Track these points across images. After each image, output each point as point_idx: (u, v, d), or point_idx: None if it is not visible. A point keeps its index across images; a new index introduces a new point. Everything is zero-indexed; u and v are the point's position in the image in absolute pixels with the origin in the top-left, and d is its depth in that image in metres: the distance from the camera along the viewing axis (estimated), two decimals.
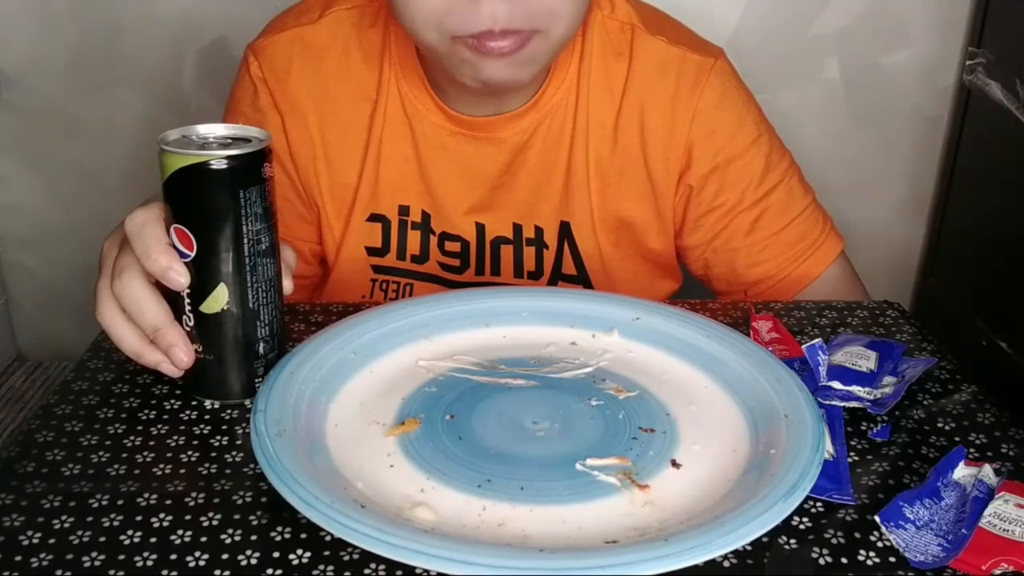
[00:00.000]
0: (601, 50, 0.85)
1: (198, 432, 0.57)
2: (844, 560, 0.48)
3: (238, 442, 0.56)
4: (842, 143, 1.45)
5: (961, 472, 0.53)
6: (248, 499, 0.51)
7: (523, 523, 0.49)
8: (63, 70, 1.43)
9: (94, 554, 0.47)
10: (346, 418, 0.58)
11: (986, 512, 0.49)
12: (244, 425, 0.58)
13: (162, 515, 0.50)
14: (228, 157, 0.55)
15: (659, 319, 0.67)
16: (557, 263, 0.89)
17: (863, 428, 0.59)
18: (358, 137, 0.86)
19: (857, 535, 0.49)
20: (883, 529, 0.50)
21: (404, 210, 0.88)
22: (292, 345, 0.62)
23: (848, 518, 0.51)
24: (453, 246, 0.89)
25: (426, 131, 0.86)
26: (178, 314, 0.59)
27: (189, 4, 1.39)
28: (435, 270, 0.90)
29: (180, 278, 0.57)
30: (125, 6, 1.39)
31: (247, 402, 0.60)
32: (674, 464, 0.54)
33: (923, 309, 1.50)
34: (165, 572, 0.46)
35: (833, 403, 0.60)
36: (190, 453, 0.55)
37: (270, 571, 0.46)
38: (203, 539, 0.48)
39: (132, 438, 0.57)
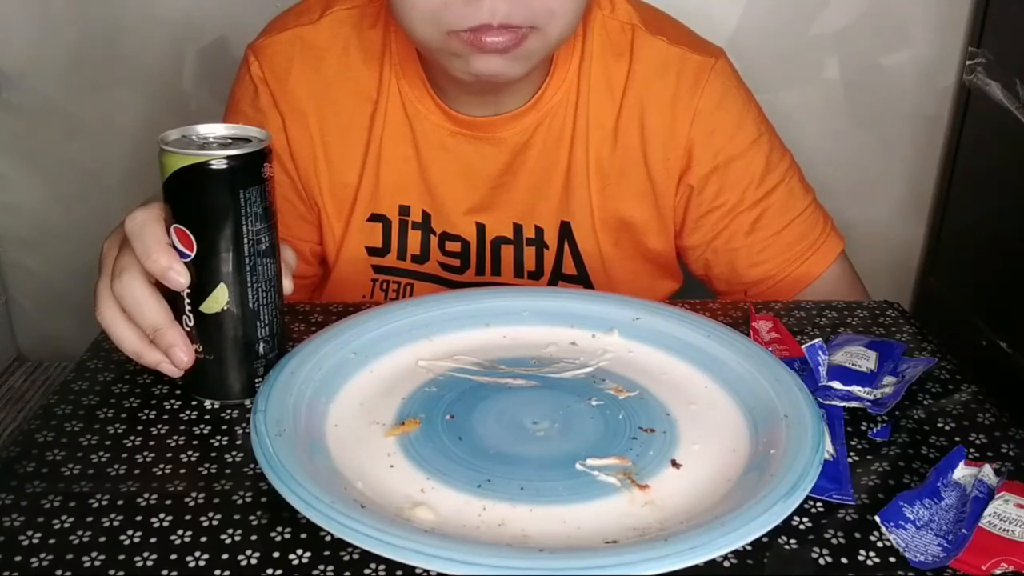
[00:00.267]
0: (601, 50, 0.85)
1: (198, 432, 0.57)
2: (844, 560, 0.48)
3: (238, 442, 0.56)
4: (842, 143, 1.45)
5: (961, 472, 0.53)
6: (248, 499, 0.51)
7: (523, 523, 0.49)
8: (63, 70, 1.43)
9: (94, 554, 0.47)
10: (346, 418, 0.58)
11: (986, 512, 0.49)
12: (244, 425, 0.58)
13: (162, 515, 0.50)
14: (228, 157, 0.55)
15: (659, 319, 0.67)
16: (557, 263, 0.89)
17: (863, 428, 0.59)
18: (358, 137, 0.86)
19: (857, 535, 0.49)
20: (883, 529, 0.50)
21: (404, 210, 0.88)
22: (292, 345, 0.62)
23: (848, 518, 0.51)
24: (453, 246, 0.89)
25: (426, 131, 0.86)
26: (178, 314, 0.59)
27: (189, 4, 1.39)
28: (435, 270, 0.90)
29: (180, 278, 0.57)
30: (125, 6, 1.39)
31: (247, 402, 0.60)
32: (674, 464, 0.54)
33: (923, 309, 1.50)
34: (165, 572, 0.46)
35: (833, 403, 0.60)
36: (190, 453, 0.55)
37: (270, 571, 0.46)
38: (203, 539, 0.48)
39: (132, 438, 0.57)
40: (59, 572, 0.46)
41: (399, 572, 0.46)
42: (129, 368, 0.64)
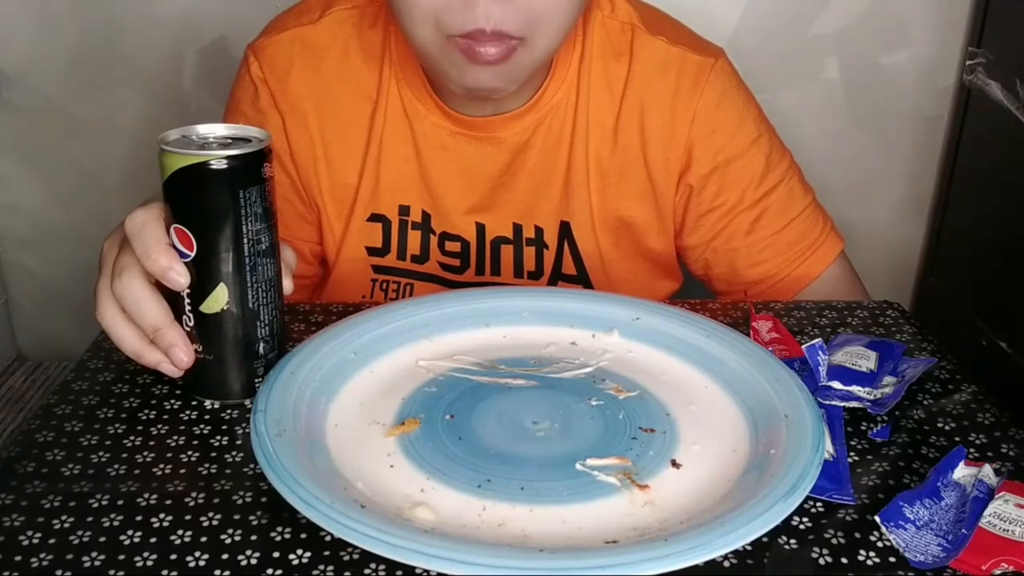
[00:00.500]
0: (601, 50, 0.85)
1: (198, 432, 0.57)
2: (844, 560, 0.48)
3: (238, 442, 0.56)
4: (842, 143, 1.45)
5: (961, 472, 0.53)
6: (248, 499, 0.51)
7: (523, 523, 0.49)
8: (63, 70, 1.43)
9: (94, 554, 0.47)
10: (346, 418, 0.58)
11: (986, 512, 0.49)
12: (244, 425, 0.58)
13: (162, 515, 0.50)
14: (228, 157, 0.55)
15: (659, 319, 0.67)
16: (557, 263, 0.89)
17: (863, 428, 0.59)
18: (358, 137, 0.86)
19: (857, 535, 0.49)
20: (883, 529, 0.50)
21: (404, 210, 0.88)
22: (292, 345, 0.62)
23: (848, 518, 0.51)
24: (453, 246, 0.89)
25: (426, 131, 0.86)
26: (178, 314, 0.59)
27: (189, 4, 1.39)
28: (435, 270, 0.90)
29: (180, 278, 0.57)
30: (125, 6, 1.39)
31: (247, 402, 0.60)
32: (674, 464, 0.54)
33: (923, 309, 1.50)
34: (165, 572, 0.46)
35: (833, 403, 0.60)
36: (190, 453, 0.55)
37: (270, 571, 0.46)
38: (203, 539, 0.48)
39: (132, 438, 0.57)
40: (59, 572, 0.46)
41: (399, 572, 0.46)
42: (129, 368, 0.64)
